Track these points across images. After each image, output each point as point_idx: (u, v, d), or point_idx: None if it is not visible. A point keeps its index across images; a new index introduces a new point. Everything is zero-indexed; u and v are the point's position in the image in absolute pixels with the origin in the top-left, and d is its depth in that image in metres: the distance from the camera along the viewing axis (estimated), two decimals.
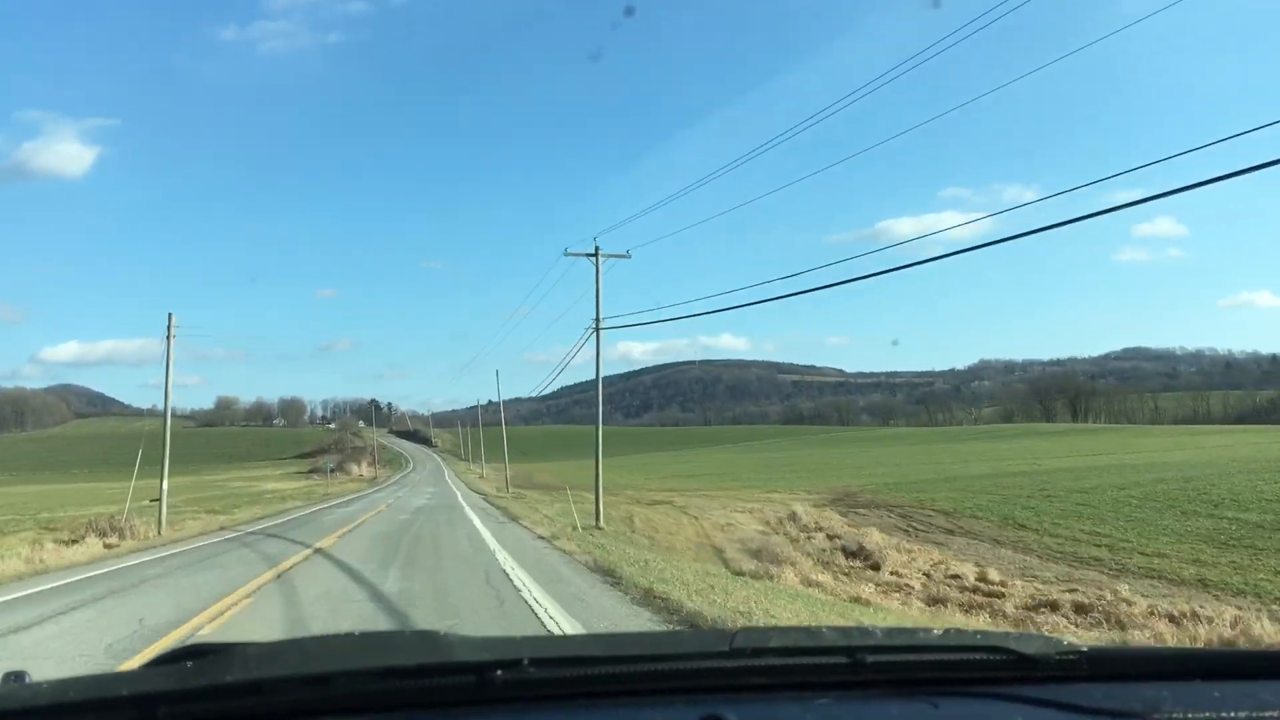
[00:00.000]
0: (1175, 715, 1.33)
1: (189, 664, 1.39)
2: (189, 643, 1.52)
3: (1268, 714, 1.33)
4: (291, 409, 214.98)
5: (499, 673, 1.36)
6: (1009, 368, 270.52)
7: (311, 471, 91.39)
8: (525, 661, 1.37)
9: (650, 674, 1.43)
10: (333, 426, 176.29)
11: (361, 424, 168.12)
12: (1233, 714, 1.32)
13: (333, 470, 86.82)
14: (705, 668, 1.45)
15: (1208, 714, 1.32)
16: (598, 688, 1.42)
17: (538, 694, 1.40)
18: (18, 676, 1.48)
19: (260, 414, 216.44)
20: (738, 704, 1.36)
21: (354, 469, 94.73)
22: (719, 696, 1.40)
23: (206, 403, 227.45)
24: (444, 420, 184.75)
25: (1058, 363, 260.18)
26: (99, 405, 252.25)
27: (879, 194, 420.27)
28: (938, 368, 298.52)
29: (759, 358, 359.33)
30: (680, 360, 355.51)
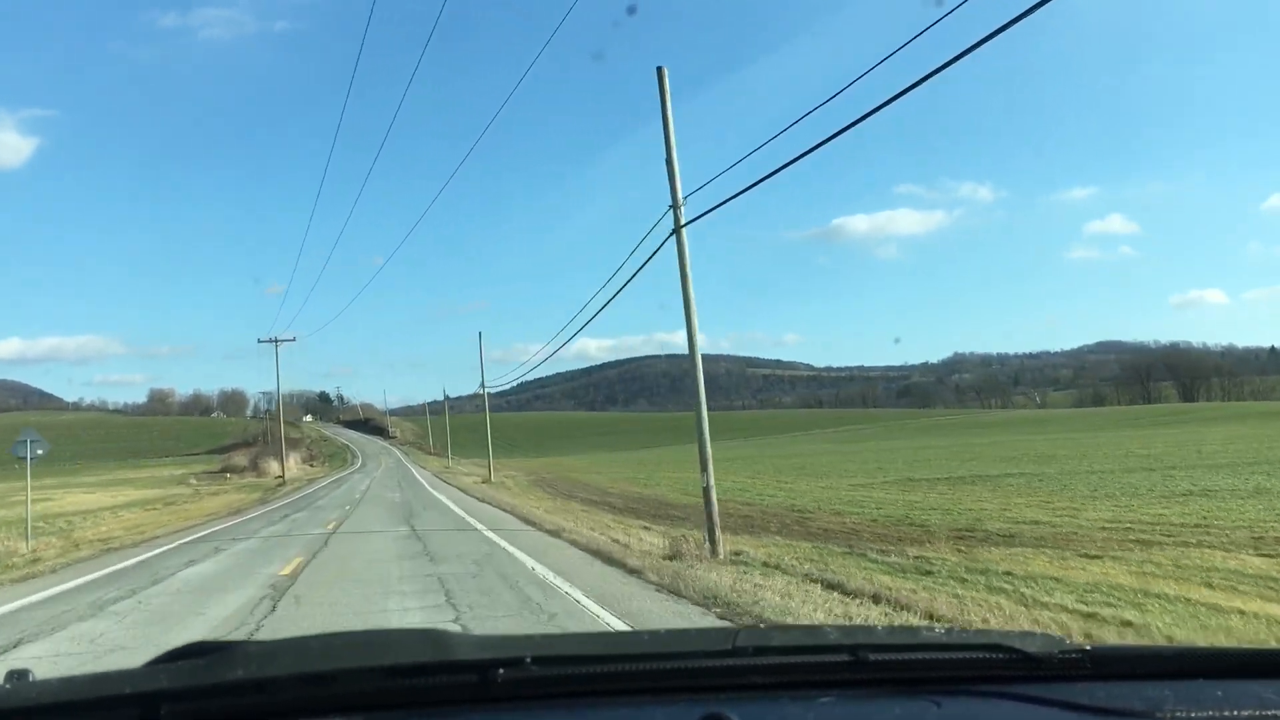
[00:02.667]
0: (1178, 714, 1.37)
1: (192, 662, 1.43)
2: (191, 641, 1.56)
3: (1271, 713, 1.37)
4: (231, 401, 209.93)
5: (501, 671, 1.40)
6: (986, 361, 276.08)
7: (222, 471, 75.77)
8: (528, 660, 1.42)
9: (653, 672, 1.48)
10: (265, 418, 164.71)
11: (310, 418, 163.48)
12: (1236, 713, 1.37)
13: (244, 469, 71.85)
14: (708, 666, 1.50)
15: (1211, 713, 1.37)
16: (600, 686, 1.47)
17: (540, 693, 1.45)
18: (20, 675, 1.51)
19: (198, 407, 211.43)
20: (740, 703, 1.40)
21: (273, 466, 72.73)
22: (721, 695, 1.44)
23: (141, 396, 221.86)
24: (398, 414, 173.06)
25: (1032, 356, 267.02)
26: (30, 401, 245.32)
27: (835, 190, 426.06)
28: (910, 361, 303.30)
29: (716, 353, 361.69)
30: (640, 355, 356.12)
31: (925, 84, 7.51)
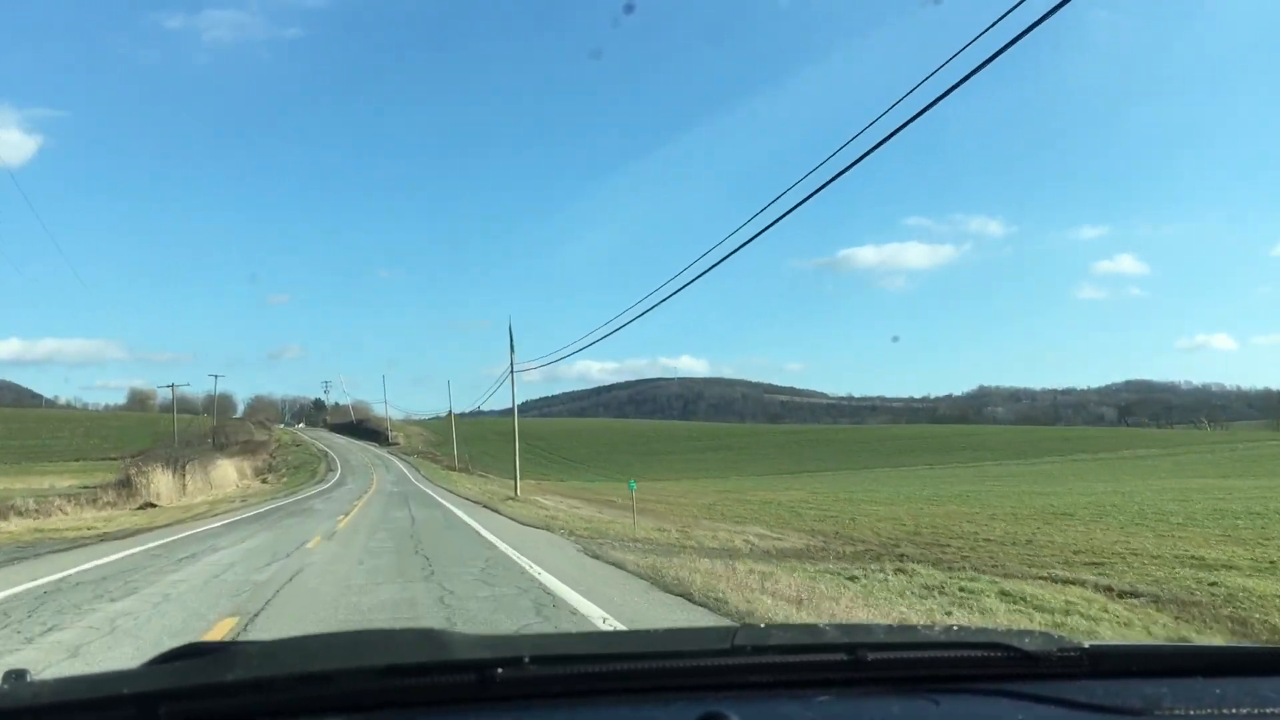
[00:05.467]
0: (1176, 712, 1.42)
1: (190, 662, 1.48)
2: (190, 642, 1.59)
3: (1269, 710, 1.42)
4: (217, 405, 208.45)
5: (500, 671, 1.45)
6: (1015, 395, 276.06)
7: (120, 483, 44.55)
8: (526, 659, 1.46)
9: (651, 671, 1.53)
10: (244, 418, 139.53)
11: (302, 425, 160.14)
12: (1234, 710, 1.42)
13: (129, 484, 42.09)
14: (706, 665, 1.55)
15: (1209, 710, 1.42)
16: (599, 685, 1.52)
17: (539, 692, 1.49)
18: (19, 675, 1.56)
19: (182, 407, 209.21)
20: (739, 702, 1.44)
21: (158, 480, 45.28)
22: (720, 694, 1.49)
23: (120, 397, 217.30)
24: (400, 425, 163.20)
25: (1064, 392, 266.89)
26: (15, 399, 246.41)
27: (842, 220, 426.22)
28: (933, 393, 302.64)
29: (721, 377, 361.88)
30: (648, 378, 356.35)
31: (935, 111, 7.68)
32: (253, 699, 1.40)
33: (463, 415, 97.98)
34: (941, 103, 7.61)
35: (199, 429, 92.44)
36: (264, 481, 64.40)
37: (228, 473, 58.36)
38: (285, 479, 65.07)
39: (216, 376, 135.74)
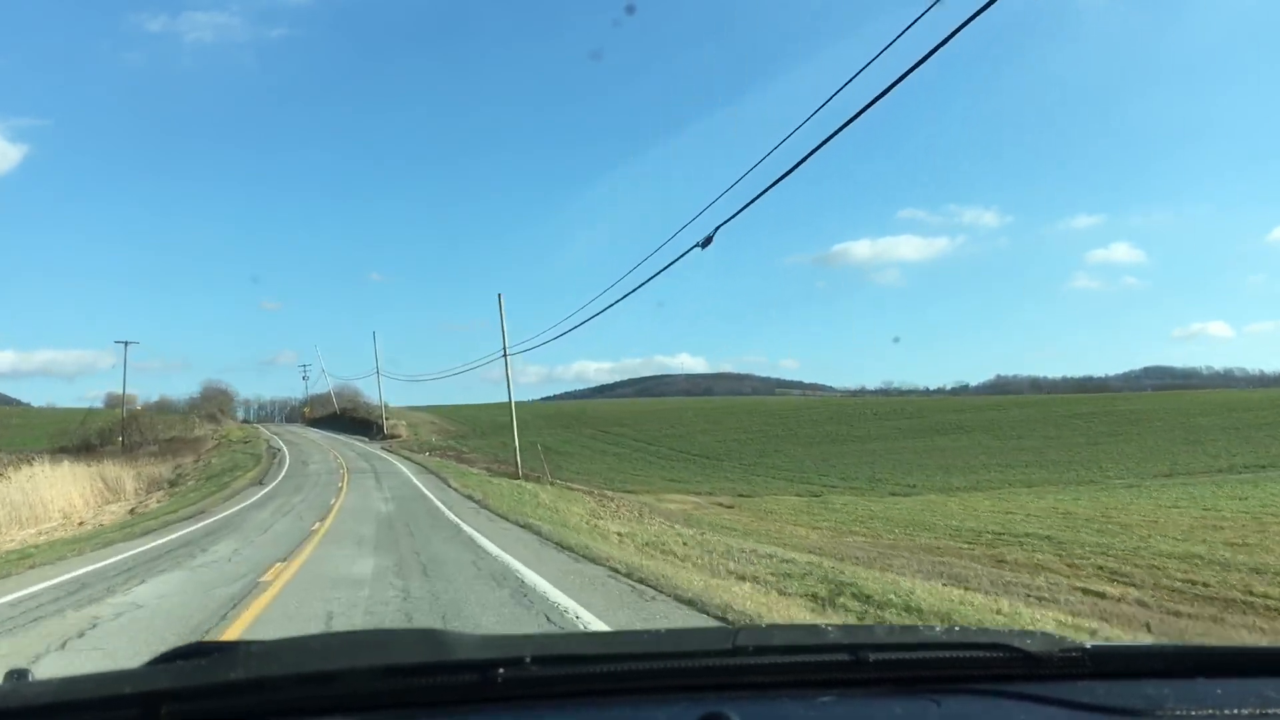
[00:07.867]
0: (1179, 712, 1.45)
1: (192, 662, 1.52)
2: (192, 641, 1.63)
3: (1272, 711, 1.45)
4: (197, 405, 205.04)
5: (501, 671, 1.49)
6: (1036, 384, 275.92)
7: None
8: (528, 659, 1.50)
9: (653, 672, 1.56)
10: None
11: (286, 423, 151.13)
12: (1236, 710, 1.45)
13: None
14: (708, 665, 1.58)
15: (1211, 711, 1.45)
16: (600, 685, 1.55)
17: (540, 692, 1.53)
18: (21, 675, 1.60)
19: (162, 410, 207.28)
20: (740, 702, 1.48)
21: None
22: (721, 694, 1.52)
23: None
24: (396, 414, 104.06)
25: (1091, 379, 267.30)
26: None
27: (836, 215, 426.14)
28: (946, 384, 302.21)
29: (724, 372, 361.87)
30: (647, 375, 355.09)
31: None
32: (255, 698, 1.44)
33: (463, 405, 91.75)
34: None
35: (99, 423, 75.13)
36: (131, 512, 34.81)
37: (57, 494, 32.77)
38: (177, 498, 40.14)
39: (126, 343, 78.88)
